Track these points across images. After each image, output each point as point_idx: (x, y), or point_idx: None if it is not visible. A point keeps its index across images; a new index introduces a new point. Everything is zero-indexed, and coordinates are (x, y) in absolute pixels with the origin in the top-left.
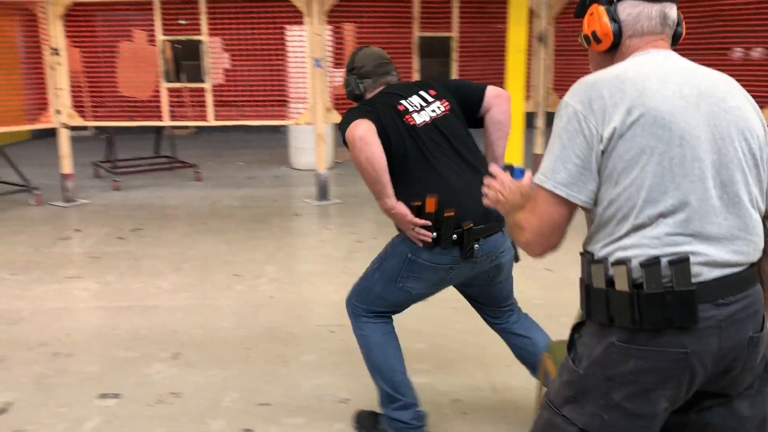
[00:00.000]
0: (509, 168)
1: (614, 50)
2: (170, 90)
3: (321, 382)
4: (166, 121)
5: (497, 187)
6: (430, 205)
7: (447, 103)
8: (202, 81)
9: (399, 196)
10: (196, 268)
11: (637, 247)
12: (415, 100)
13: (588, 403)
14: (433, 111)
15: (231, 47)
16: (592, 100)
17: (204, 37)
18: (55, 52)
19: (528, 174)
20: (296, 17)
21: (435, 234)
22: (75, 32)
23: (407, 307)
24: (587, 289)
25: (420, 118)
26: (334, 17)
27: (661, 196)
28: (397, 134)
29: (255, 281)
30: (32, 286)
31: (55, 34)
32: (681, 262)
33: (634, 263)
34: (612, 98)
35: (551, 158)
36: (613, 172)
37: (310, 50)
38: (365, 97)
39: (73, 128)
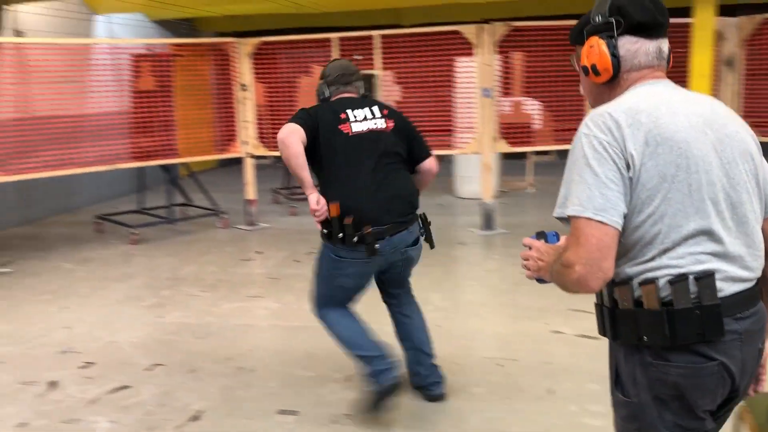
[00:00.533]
0: (542, 235)
1: (613, 82)
2: None
3: (491, 416)
4: None
5: (535, 256)
6: (334, 210)
7: (392, 124)
8: None
9: (322, 188)
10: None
11: (664, 268)
12: (361, 112)
13: (650, 429)
14: (375, 124)
15: (403, 79)
16: (613, 130)
17: (378, 70)
18: (244, 87)
19: (563, 237)
20: (466, 49)
21: (341, 235)
22: (260, 69)
23: (354, 297)
24: (612, 312)
25: (357, 128)
26: (504, 47)
27: (684, 221)
28: (328, 138)
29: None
30: (219, 303)
31: (244, 70)
32: (707, 277)
33: (662, 282)
34: (630, 128)
35: (584, 187)
36: (638, 201)
37: (479, 80)
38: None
39: (255, 157)
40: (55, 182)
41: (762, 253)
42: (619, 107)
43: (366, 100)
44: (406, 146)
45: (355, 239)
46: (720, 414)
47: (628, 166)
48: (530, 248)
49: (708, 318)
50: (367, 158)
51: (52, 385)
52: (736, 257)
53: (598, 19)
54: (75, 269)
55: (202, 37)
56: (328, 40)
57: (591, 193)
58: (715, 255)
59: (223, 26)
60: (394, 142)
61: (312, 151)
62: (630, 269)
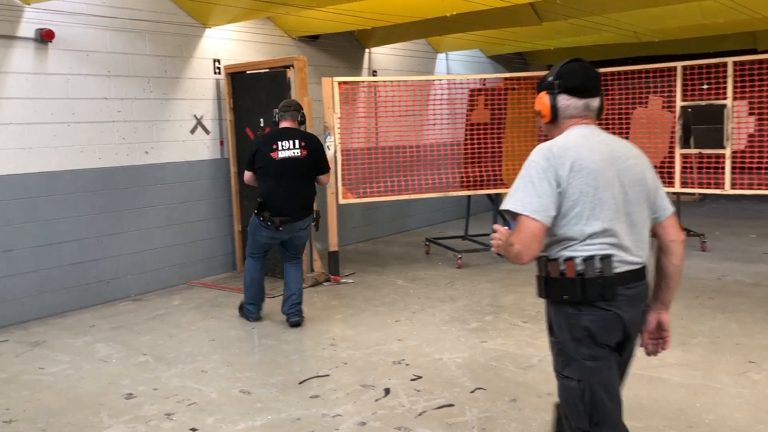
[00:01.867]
0: (506, 223)
1: (554, 123)
2: (682, 156)
3: None
4: (677, 188)
5: (497, 236)
6: (261, 204)
7: (306, 153)
8: (716, 146)
9: (258, 190)
10: (704, 345)
11: (581, 251)
12: (287, 143)
13: (572, 360)
14: (293, 153)
15: (758, 109)
16: (550, 159)
17: (728, 101)
18: None
19: None
20: None
21: (261, 218)
22: None
23: (267, 249)
24: (546, 280)
25: (281, 155)
26: None
27: (594, 222)
28: (263, 159)
29: None
30: (540, 335)
31: None
32: (606, 258)
33: (578, 260)
34: (561, 159)
35: (526, 194)
36: (565, 207)
37: None
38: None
39: None
40: (393, 205)
41: (646, 246)
42: (556, 144)
43: (294, 133)
44: (314, 166)
45: (269, 222)
46: (621, 350)
47: (558, 185)
48: (496, 232)
49: (607, 285)
50: (283, 175)
51: (387, 392)
52: (628, 248)
53: (549, 79)
54: (407, 286)
55: (533, 71)
56: (671, 69)
57: (531, 199)
58: (613, 245)
59: (554, 59)
60: (304, 164)
61: (256, 170)
62: (559, 251)
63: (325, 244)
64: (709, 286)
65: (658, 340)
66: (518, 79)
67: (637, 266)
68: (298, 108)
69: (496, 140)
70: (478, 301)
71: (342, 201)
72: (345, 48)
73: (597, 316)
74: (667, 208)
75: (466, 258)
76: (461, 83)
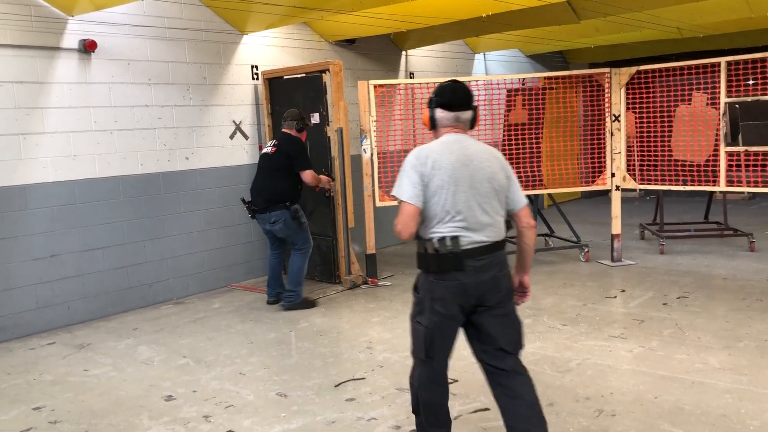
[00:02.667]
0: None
1: (434, 130)
2: (728, 154)
3: None
4: (722, 187)
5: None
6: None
7: (276, 150)
8: (765, 143)
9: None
10: (750, 349)
11: (438, 232)
12: (270, 142)
13: (425, 312)
14: (267, 150)
15: None
16: (420, 158)
17: None
18: (616, 118)
19: None
20: None
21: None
22: (634, 98)
23: (271, 239)
24: (419, 254)
25: (263, 151)
26: None
27: (449, 209)
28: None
29: None
30: (579, 338)
31: (617, 101)
32: (455, 238)
33: (436, 239)
34: (427, 159)
35: (405, 184)
36: (428, 197)
37: None
38: None
39: (622, 190)
40: None
41: (497, 228)
42: (424, 147)
43: (281, 135)
44: (287, 163)
45: (248, 211)
46: (477, 311)
47: (423, 179)
48: None
49: (456, 258)
50: (259, 170)
51: None
52: (477, 230)
53: (432, 97)
54: None
55: (572, 69)
56: (715, 64)
57: (407, 188)
58: (463, 227)
59: (595, 56)
60: (275, 160)
61: None
62: (425, 232)
63: (362, 246)
64: (757, 287)
65: (521, 296)
66: (557, 78)
67: (485, 243)
68: (294, 117)
69: (534, 140)
70: None
71: (379, 204)
72: (381, 51)
73: (447, 285)
74: (520, 201)
75: None
76: (499, 83)
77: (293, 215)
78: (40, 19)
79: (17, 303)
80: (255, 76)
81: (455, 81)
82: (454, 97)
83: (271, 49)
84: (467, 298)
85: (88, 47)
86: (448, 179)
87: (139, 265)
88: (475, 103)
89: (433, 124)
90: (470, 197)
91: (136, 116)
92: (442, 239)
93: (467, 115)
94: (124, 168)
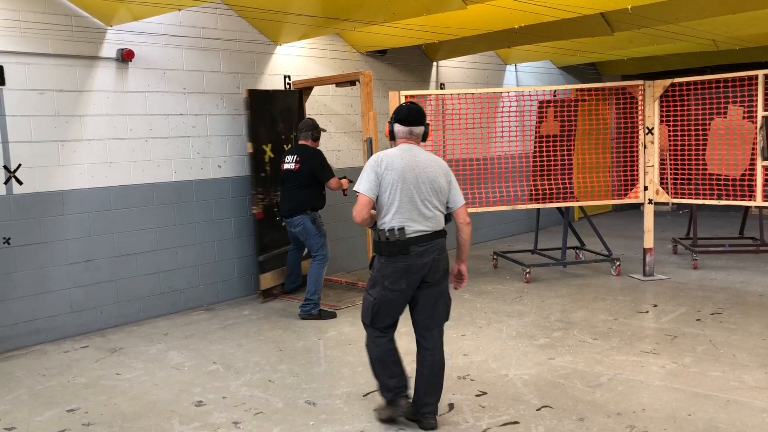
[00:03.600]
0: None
1: (393, 141)
2: (765, 168)
3: None
4: (759, 202)
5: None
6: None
7: (299, 165)
8: None
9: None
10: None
11: (388, 222)
12: (289, 158)
13: (376, 287)
14: (290, 165)
15: None
16: (377, 161)
17: None
18: (649, 131)
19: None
20: None
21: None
22: (668, 110)
23: (292, 239)
24: (374, 242)
25: (285, 166)
26: None
27: (396, 203)
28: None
29: None
30: (610, 353)
31: (651, 114)
32: (402, 228)
33: (387, 228)
34: (382, 162)
35: (362, 180)
36: (381, 192)
37: None
38: None
39: (654, 203)
40: None
41: (437, 220)
42: (383, 153)
43: (298, 148)
44: (311, 176)
45: (278, 216)
46: (429, 285)
47: (377, 177)
48: None
49: (402, 245)
50: (284, 182)
51: (451, 407)
52: (419, 221)
53: (392, 114)
54: (473, 300)
55: (605, 81)
56: (752, 77)
57: (364, 183)
58: (408, 219)
59: (628, 68)
60: (297, 176)
61: None
62: (379, 222)
63: None
64: None
65: (459, 281)
66: (589, 89)
67: (426, 233)
68: (308, 128)
69: (566, 152)
70: (547, 316)
71: None
72: (413, 62)
73: (396, 266)
74: (458, 201)
75: (535, 272)
76: (530, 95)
77: (312, 219)
78: (81, 29)
79: (52, 306)
80: (288, 86)
81: (411, 102)
82: (408, 115)
83: (303, 59)
84: (412, 276)
85: (125, 56)
86: (397, 178)
87: (171, 271)
88: (428, 121)
89: (392, 136)
90: (414, 194)
91: (170, 124)
92: (391, 230)
93: (419, 129)
94: (158, 175)
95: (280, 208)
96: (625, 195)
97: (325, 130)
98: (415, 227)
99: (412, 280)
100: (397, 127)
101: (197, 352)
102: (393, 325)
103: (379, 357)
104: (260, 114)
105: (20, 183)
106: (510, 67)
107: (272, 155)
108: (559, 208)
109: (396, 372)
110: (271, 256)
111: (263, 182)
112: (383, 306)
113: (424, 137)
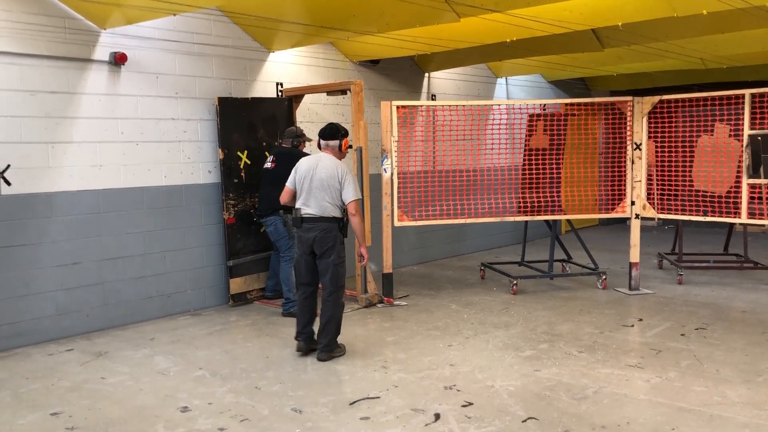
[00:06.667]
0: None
1: (320, 149)
2: (750, 186)
3: None
4: (744, 219)
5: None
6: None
7: (275, 165)
8: None
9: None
10: None
11: (297, 204)
12: (269, 158)
13: (292, 248)
14: (268, 164)
15: None
16: (298, 164)
17: None
18: (637, 146)
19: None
20: None
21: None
22: (656, 127)
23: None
24: (292, 217)
25: (265, 165)
26: None
27: (301, 195)
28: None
29: None
30: (596, 366)
31: (639, 129)
32: (299, 209)
33: (296, 208)
34: (300, 165)
35: (289, 178)
36: (296, 185)
37: None
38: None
39: (641, 218)
40: (448, 229)
41: (326, 209)
42: (302, 159)
43: (276, 149)
44: (284, 176)
45: (255, 215)
46: (319, 257)
47: (295, 174)
48: None
49: (299, 221)
50: (263, 182)
51: (437, 417)
52: (310, 206)
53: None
54: (460, 310)
55: (594, 96)
56: (739, 96)
57: (290, 179)
58: (303, 204)
59: (617, 84)
60: (273, 175)
61: None
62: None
63: (379, 265)
64: None
65: (360, 259)
66: (578, 104)
67: (313, 215)
68: (291, 135)
69: (554, 166)
70: (533, 328)
71: (397, 224)
72: (405, 72)
73: (298, 235)
74: (347, 198)
75: (522, 284)
76: (521, 108)
77: (284, 222)
78: (74, 32)
79: (36, 309)
80: (280, 93)
81: (331, 123)
82: (323, 131)
83: (296, 67)
84: (303, 245)
85: (118, 60)
86: (302, 177)
87: (159, 275)
88: (342, 134)
89: (319, 146)
90: (311, 188)
91: (161, 129)
92: (298, 209)
93: (333, 142)
94: (148, 179)
95: (257, 208)
96: (612, 209)
97: (310, 140)
98: (306, 210)
99: (304, 247)
100: (321, 141)
101: (183, 358)
102: (308, 284)
103: (298, 307)
104: (234, 121)
105: (8, 184)
106: (501, 80)
107: (249, 162)
108: (546, 221)
109: (300, 320)
110: (245, 262)
111: (236, 188)
112: (297, 264)
113: (340, 148)
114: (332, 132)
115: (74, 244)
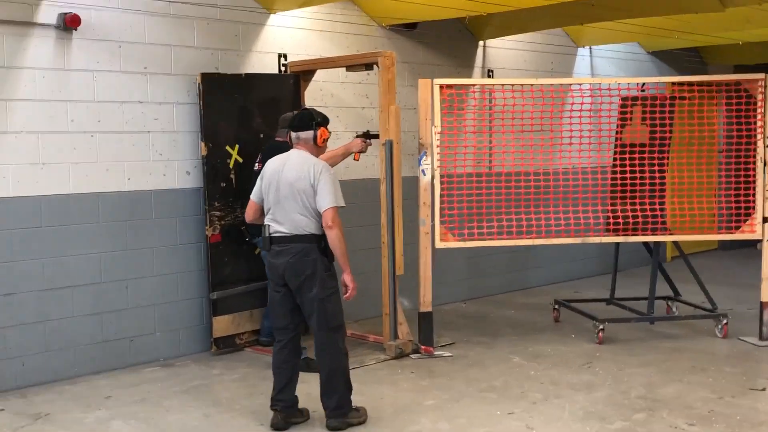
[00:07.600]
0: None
1: (293, 146)
2: None
3: None
4: None
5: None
6: None
7: (261, 165)
8: None
9: None
10: None
11: (266, 221)
12: (258, 157)
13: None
14: (255, 165)
15: None
16: (264, 169)
17: None
18: None
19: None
20: None
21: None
22: None
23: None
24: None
25: (255, 168)
26: None
27: (269, 206)
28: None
29: None
30: None
31: None
32: (268, 227)
33: (266, 225)
34: (267, 167)
35: (257, 187)
36: (264, 195)
37: None
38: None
39: None
40: (510, 253)
41: (297, 223)
42: (274, 157)
43: (265, 145)
44: None
45: (245, 235)
46: (298, 294)
47: (260, 181)
48: None
49: (267, 242)
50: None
51: None
52: (280, 222)
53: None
54: (525, 365)
55: (712, 73)
56: None
57: (256, 189)
58: (271, 219)
59: (743, 57)
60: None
61: None
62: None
63: (414, 301)
64: None
65: (344, 291)
66: (690, 84)
67: (284, 234)
68: (283, 126)
69: (656, 168)
70: (626, 391)
71: (439, 245)
72: (451, 40)
73: (267, 261)
74: (321, 205)
75: (611, 330)
76: (610, 88)
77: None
78: None
79: None
80: (283, 68)
81: (302, 109)
82: (292, 121)
83: (305, 33)
84: (274, 274)
85: (69, 23)
86: (267, 183)
87: (119, 311)
88: (317, 122)
89: (289, 141)
90: (278, 198)
91: (125, 115)
92: (267, 226)
93: (305, 134)
94: (106, 183)
95: (247, 225)
96: (737, 229)
97: (328, 131)
98: (275, 227)
99: (275, 278)
100: (291, 134)
101: (149, 424)
102: (284, 329)
103: (273, 363)
104: (222, 105)
105: None
106: (583, 51)
107: (240, 159)
108: (646, 244)
109: (276, 383)
110: (233, 294)
111: (223, 195)
112: (270, 303)
113: (315, 140)
114: (303, 120)
115: (6, 269)
